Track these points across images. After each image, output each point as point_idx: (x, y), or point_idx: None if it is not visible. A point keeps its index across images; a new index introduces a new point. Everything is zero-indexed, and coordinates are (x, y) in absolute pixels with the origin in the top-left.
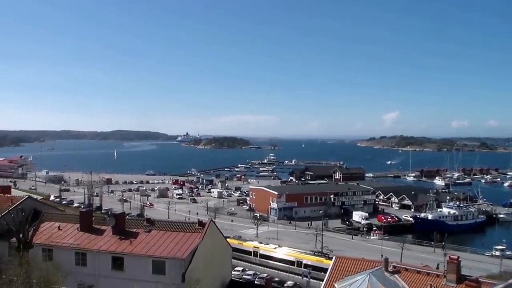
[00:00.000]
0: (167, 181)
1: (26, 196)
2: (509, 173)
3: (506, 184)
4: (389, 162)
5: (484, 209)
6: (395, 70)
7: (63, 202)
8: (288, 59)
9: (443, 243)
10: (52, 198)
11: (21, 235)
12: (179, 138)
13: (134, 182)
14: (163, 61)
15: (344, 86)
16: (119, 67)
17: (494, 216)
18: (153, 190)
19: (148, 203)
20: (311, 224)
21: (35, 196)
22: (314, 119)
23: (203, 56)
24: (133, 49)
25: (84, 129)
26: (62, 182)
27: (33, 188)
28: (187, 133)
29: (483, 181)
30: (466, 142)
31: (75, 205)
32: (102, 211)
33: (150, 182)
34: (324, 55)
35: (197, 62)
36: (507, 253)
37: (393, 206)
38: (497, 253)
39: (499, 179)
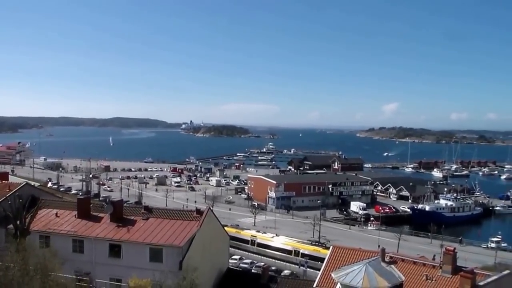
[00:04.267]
0: (165, 169)
1: (24, 183)
2: (506, 166)
3: (503, 177)
4: (385, 154)
5: (481, 201)
6: (395, 61)
7: (61, 189)
8: (289, 48)
9: (460, 238)
10: (50, 184)
11: (18, 222)
12: (183, 126)
13: (133, 170)
14: (163, 48)
15: (344, 76)
16: (119, 54)
17: (490, 208)
18: (151, 177)
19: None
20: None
21: (32, 183)
22: (314, 109)
23: (204, 44)
24: (133, 35)
25: (83, 116)
26: (60, 168)
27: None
28: (191, 121)
29: (480, 173)
30: (465, 135)
31: (73, 192)
32: (100, 198)
33: (149, 169)
34: (324, 45)
35: (198, 49)
36: (502, 245)
37: (391, 197)
38: (493, 245)
39: (496, 172)
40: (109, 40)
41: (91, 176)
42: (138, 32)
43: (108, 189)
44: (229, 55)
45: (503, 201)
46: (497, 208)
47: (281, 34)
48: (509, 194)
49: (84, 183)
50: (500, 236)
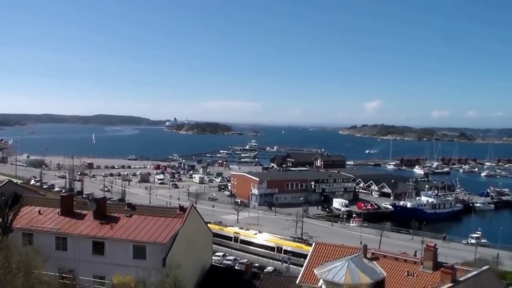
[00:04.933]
0: (148, 166)
1: (6, 180)
2: (486, 164)
3: (483, 174)
4: (367, 151)
5: (461, 198)
6: (377, 59)
7: (44, 187)
8: (271, 46)
9: (444, 235)
10: (32, 182)
11: (0, 220)
12: (167, 123)
13: (116, 167)
14: (147, 46)
15: (326, 74)
16: (102, 52)
17: (470, 205)
18: (134, 175)
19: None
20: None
21: (15, 180)
22: (296, 106)
23: (188, 42)
24: (117, 33)
25: (66, 113)
26: (43, 166)
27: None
28: (175, 118)
29: (461, 170)
30: (446, 132)
31: (56, 189)
32: (83, 196)
33: (132, 166)
34: (307, 43)
35: (182, 48)
36: (482, 241)
37: (373, 194)
38: (473, 241)
39: (476, 169)
40: (92, 37)
41: (79, 173)
42: (123, 30)
43: (106, 189)
44: (212, 53)
45: (483, 198)
46: (477, 204)
47: (263, 33)
48: (488, 191)
49: (67, 180)
50: (480, 232)
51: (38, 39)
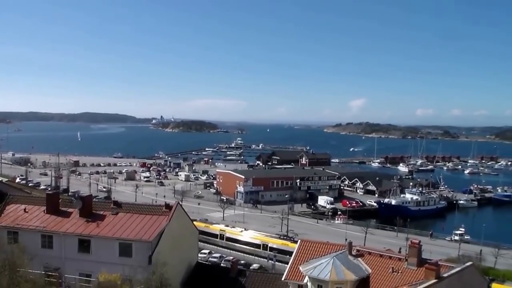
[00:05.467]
0: (134, 164)
1: None
2: (469, 161)
3: (466, 171)
4: (352, 149)
5: (445, 195)
6: (361, 57)
7: (30, 184)
8: (256, 45)
9: (430, 232)
10: (18, 180)
11: None
12: (154, 121)
13: (102, 165)
14: (134, 44)
15: (312, 72)
16: (89, 49)
17: (454, 202)
18: (120, 172)
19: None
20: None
21: (0, 178)
22: (282, 104)
23: (175, 40)
24: (105, 31)
25: (52, 111)
26: (29, 164)
27: None
28: (161, 116)
29: (445, 168)
30: (430, 130)
31: (42, 187)
32: (69, 194)
33: (118, 164)
34: (294, 42)
35: (169, 46)
36: (466, 237)
37: (358, 191)
38: (456, 237)
39: (460, 167)
40: (79, 36)
41: (68, 170)
42: (111, 29)
43: (104, 189)
44: (200, 52)
45: (466, 195)
46: (461, 202)
47: (251, 32)
48: (472, 188)
49: (53, 178)
50: (463, 229)
51: (24, 37)
